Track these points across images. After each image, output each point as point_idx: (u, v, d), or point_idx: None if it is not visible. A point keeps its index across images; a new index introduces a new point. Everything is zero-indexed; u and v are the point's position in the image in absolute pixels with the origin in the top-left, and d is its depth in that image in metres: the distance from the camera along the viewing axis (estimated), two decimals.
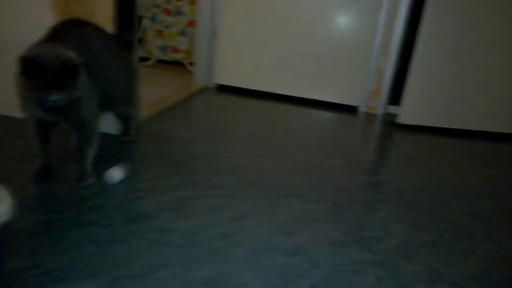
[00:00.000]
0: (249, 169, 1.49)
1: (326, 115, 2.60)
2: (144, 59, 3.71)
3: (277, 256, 0.96)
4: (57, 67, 0.99)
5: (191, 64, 3.52)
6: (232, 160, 1.55)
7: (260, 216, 1.14)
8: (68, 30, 1.22)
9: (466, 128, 2.47)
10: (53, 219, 0.99)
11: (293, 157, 1.66)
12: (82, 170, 1.22)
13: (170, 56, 3.69)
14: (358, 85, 2.75)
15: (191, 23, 3.54)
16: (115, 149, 1.51)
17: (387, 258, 1.01)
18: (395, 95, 2.69)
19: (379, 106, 2.76)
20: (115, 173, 1.24)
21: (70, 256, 0.86)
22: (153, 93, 2.38)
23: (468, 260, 1.05)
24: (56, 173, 1.25)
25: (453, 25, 2.28)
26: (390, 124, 2.51)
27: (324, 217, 1.17)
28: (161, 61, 3.78)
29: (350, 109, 2.78)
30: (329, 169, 1.57)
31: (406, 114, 2.44)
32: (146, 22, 3.65)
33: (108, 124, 1.65)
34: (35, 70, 0.98)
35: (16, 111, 1.36)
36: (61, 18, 1.55)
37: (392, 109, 2.74)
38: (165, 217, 1.07)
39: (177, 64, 3.77)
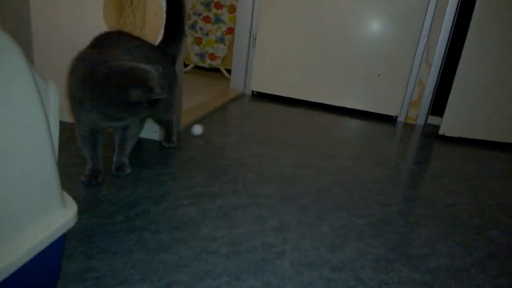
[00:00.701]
0: (292, 178, 1.48)
1: (363, 125, 2.56)
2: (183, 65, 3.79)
3: (322, 270, 0.95)
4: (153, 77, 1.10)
5: (228, 71, 3.57)
6: (275, 169, 1.55)
7: (304, 227, 1.13)
8: (112, 40, 1.27)
9: (511, 141, 2.37)
10: (104, 223, 1.03)
11: (335, 168, 1.64)
12: (121, 162, 1.35)
13: (208, 62, 3.75)
14: (398, 94, 2.70)
15: (230, 31, 3.59)
16: (158, 155, 1.54)
17: (436, 277, 0.98)
18: (437, 106, 2.62)
19: (420, 116, 2.69)
20: (197, 129, 1.78)
21: (122, 260, 0.89)
22: (191, 99, 2.42)
23: None
24: (105, 177, 1.29)
25: (501, 34, 2.20)
26: (431, 135, 2.45)
27: (369, 232, 1.15)
28: (198, 67, 3.85)
29: (388, 119, 2.73)
30: (372, 182, 1.54)
31: (449, 125, 2.37)
32: (186, 30, 3.73)
33: (152, 130, 1.70)
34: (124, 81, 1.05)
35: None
36: (112, 29, 1.62)
37: (434, 120, 2.67)
38: (209, 225, 1.08)
39: (215, 70, 3.83)
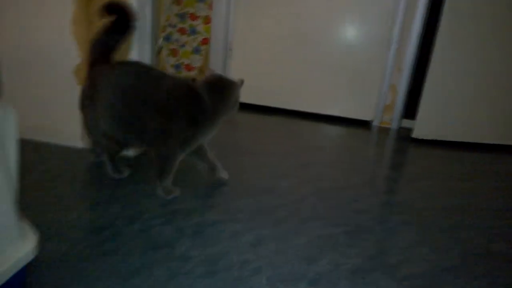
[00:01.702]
0: (269, 190, 1.48)
1: (340, 131, 2.59)
2: None
3: (298, 285, 0.95)
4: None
5: None
6: (252, 181, 1.54)
7: (280, 241, 1.12)
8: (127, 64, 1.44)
9: (483, 142, 2.42)
10: (74, 249, 1.00)
11: (312, 177, 1.64)
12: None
13: (184, 73, 3.73)
14: (372, 99, 2.74)
15: (205, 41, 3.58)
16: (132, 172, 1.52)
17: (412, 285, 0.99)
18: (410, 109, 2.66)
19: (394, 120, 2.74)
20: None
21: None
22: None
23: (492, 285, 1.02)
24: (81, 197, 1.26)
25: (468, 38, 2.26)
26: (405, 138, 2.49)
27: (345, 241, 1.15)
28: None
29: (364, 124, 2.76)
30: (349, 189, 1.55)
31: (421, 128, 2.41)
32: (161, 42, 3.70)
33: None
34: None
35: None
36: (80, 43, 1.59)
37: (407, 123, 2.71)
38: (185, 244, 1.06)
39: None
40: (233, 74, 2.94)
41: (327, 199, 1.44)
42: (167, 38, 3.66)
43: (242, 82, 1.36)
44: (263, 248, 1.08)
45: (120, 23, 1.39)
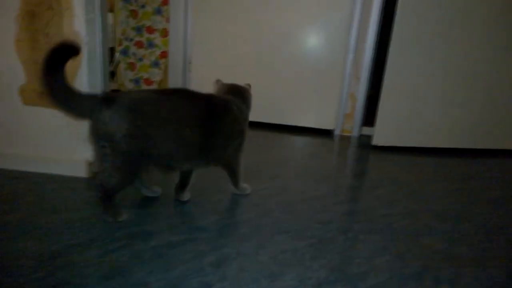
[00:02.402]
0: (233, 206, 1.45)
1: (303, 141, 2.60)
2: (117, 92, 3.65)
3: None
4: None
5: None
6: (215, 197, 1.51)
7: (244, 259, 1.09)
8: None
9: (440, 146, 2.51)
10: (21, 282, 0.92)
11: (277, 189, 1.63)
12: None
13: (144, 87, 3.65)
14: (332, 108, 2.78)
15: (164, 55, 3.53)
16: (87, 195, 1.44)
17: None
18: (370, 117, 2.72)
19: (354, 128, 2.78)
20: None
21: None
22: None
23: None
24: (26, 227, 1.18)
25: (421, 46, 2.34)
26: (366, 146, 2.53)
27: (310, 254, 1.14)
28: None
29: (326, 133, 2.80)
30: (314, 200, 1.55)
31: (380, 135, 2.46)
32: (118, 56, 3.61)
33: (80, 167, 1.59)
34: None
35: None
36: (26, 63, 1.51)
37: (367, 130, 2.77)
38: (143, 269, 1.01)
39: None
40: (193, 88, 2.91)
41: (291, 212, 1.42)
42: (124, 52, 3.58)
43: (250, 86, 1.58)
44: (226, 268, 1.04)
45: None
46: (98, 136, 1.16)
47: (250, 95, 1.57)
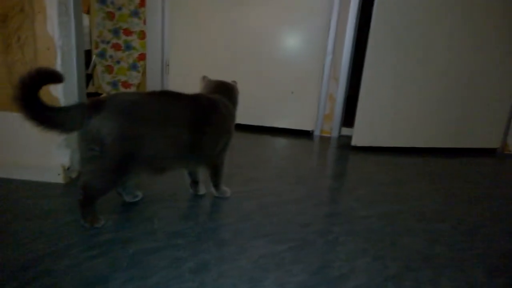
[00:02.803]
0: (211, 210, 1.44)
1: (283, 142, 2.61)
2: (94, 95, 3.59)
3: None
4: None
5: None
6: (193, 202, 1.49)
7: (223, 264, 1.08)
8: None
9: (418, 146, 2.56)
10: None
11: (256, 192, 1.62)
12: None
13: (122, 91, 3.60)
14: (312, 109, 2.79)
15: (143, 57, 3.49)
16: (63, 202, 1.41)
17: None
18: (349, 118, 2.75)
19: (333, 129, 2.81)
20: None
21: None
22: None
23: None
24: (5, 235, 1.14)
25: (397, 47, 2.38)
26: (345, 146, 2.56)
27: (289, 258, 1.14)
28: None
29: (305, 134, 2.81)
30: (293, 203, 1.55)
31: (359, 136, 2.49)
32: (95, 59, 3.54)
33: (55, 173, 1.55)
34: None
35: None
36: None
37: (347, 131, 2.80)
38: (120, 277, 0.99)
39: None
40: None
41: (271, 215, 1.42)
42: (101, 55, 3.52)
43: (236, 83, 1.57)
44: (205, 274, 1.03)
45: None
46: (89, 142, 1.14)
47: (237, 92, 1.58)
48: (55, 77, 1.09)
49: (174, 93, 1.31)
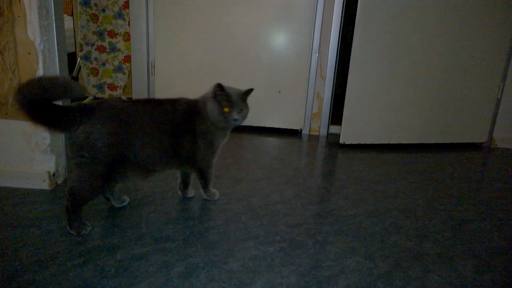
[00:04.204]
0: (199, 212, 1.42)
1: (271, 142, 2.60)
2: (80, 98, 3.54)
3: None
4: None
5: (130, 100, 3.41)
6: (181, 204, 1.48)
7: (212, 268, 1.07)
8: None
9: (405, 142, 2.57)
10: None
11: (244, 193, 1.62)
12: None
13: (108, 93, 3.55)
14: (299, 108, 2.79)
15: (128, 59, 3.44)
16: (48, 209, 1.38)
17: None
18: (337, 116, 2.75)
19: (322, 127, 2.81)
20: None
21: None
22: None
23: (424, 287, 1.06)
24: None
25: (381, 44, 2.38)
26: (334, 144, 2.56)
27: (279, 259, 1.13)
28: (98, 98, 3.62)
29: (294, 133, 2.81)
30: (282, 203, 1.54)
31: (347, 134, 2.50)
32: (80, 61, 3.49)
33: (40, 179, 1.53)
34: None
35: None
36: None
37: (335, 129, 2.80)
38: (108, 285, 0.97)
39: None
40: (157, 92, 2.85)
41: (259, 216, 1.42)
42: (86, 57, 3.47)
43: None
44: (194, 278, 1.02)
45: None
46: (78, 147, 1.15)
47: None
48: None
49: (156, 100, 1.36)
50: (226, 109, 1.34)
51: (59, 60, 1.56)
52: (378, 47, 2.37)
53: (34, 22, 1.44)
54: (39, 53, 1.47)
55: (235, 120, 1.36)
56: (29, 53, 1.46)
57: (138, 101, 1.34)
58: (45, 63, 1.49)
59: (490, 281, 1.10)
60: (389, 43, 2.37)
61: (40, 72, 1.48)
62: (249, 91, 1.44)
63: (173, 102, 1.36)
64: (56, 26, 1.53)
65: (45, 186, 1.54)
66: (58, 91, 1.10)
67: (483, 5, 2.42)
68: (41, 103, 1.07)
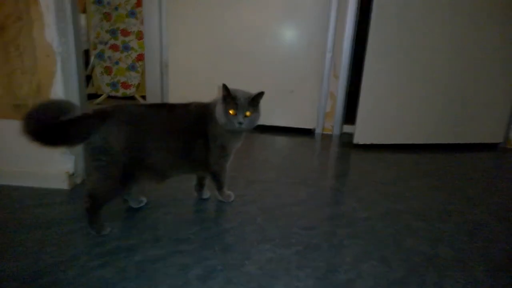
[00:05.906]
0: (215, 214, 1.44)
1: (284, 141, 2.61)
2: (94, 96, 3.58)
3: None
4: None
5: (144, 97, 3.44)
6: (196, 206, 1.50)
7: (230, 270, 1.09)
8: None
9: (419, 142, 2.56)
10: None
11: (258, 194, 1.63)
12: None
13: (121, 91, 3.59)
14: (313, 107, 2.79)
15: (141, 57, 3.47)
16: (67, 209, 1.41)
17: None
18: (351, 115, 2.75)
19: (335, 126, 2.81)
20: None
21: None
22: None
23: None
24: (4, 244, 1.14)
25: (397, 44, 2.37)
26: (347, 144, 2.56)
27: (296, 263, 1.14)
28: (112, 97, 3.66)
29: (307, 132, 2.81)
30: (296, 205, 1.55)
31: (361, 133, 2.49)
32: (94, 60, 3.53)
33: (60, 179, 1.56)
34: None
35: None
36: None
37: (349, 128, 2.79)
38: (128, 286, 0.99)
39: (129, 98, 3.67)
40: (171, 91, 2.87)
41: (274, 218, 1.43)
42: (100, 56, 3.50)
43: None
44: (212, 280, 1.04)
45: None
46: (95, 151, 1.18)
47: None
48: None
49: (170, 104, 1.38)
50: (231, 111, 1.32)
51: (76, 61, 1.59)
52: (394, 46, 2.35)
53: (51, 25, 1.47)
54: (57, 56, 1.49)
55: (240, 123, 1.32)
56: (47, 56, 1.49)
57: (152, 106, 1.36)
58: (63, 65, 1.51)
59: (507, 286, 1.10)
60: (405, 41, 2.35)
61: (58, 75, 1.50)
62: (260, 94, 1.37)
63: (186, 106, 1.38)
64: (72, 28, 1.56)
65: (65, 186, 1.57)
66: (58, 112, 1.12)
67: (498, 3, 2.39)
68: (50, 125, 1.09)
